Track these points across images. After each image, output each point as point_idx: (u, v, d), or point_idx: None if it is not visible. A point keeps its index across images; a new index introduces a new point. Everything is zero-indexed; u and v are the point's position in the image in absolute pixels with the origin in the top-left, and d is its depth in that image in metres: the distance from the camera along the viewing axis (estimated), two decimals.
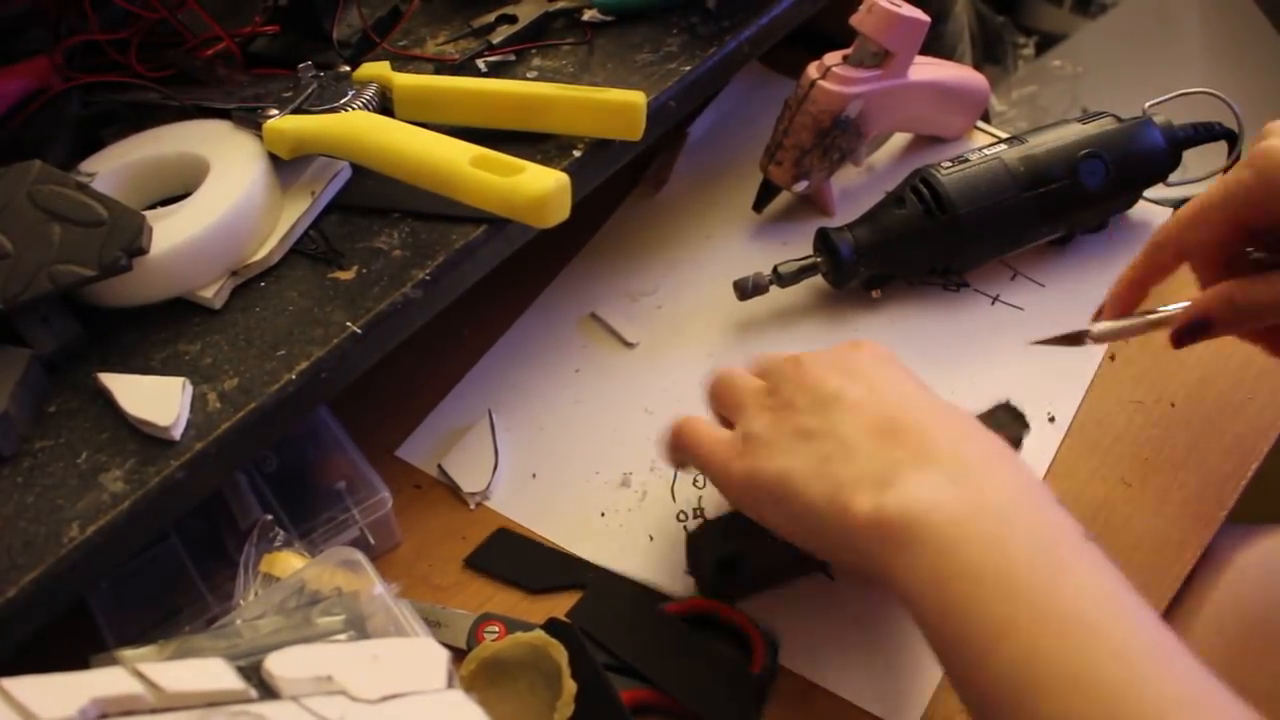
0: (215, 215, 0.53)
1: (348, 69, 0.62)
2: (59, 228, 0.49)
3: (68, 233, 0.49)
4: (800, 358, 0.52)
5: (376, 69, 0.62)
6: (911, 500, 0.43)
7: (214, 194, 0.54)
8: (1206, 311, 0.53)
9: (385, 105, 0.61)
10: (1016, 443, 0.56)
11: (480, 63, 0.65)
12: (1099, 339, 0.57)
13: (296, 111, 0.59)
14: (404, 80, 0.61)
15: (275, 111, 0.58)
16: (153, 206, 0.57)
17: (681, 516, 0.60)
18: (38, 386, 0.50)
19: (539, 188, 0.52)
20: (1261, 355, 0.63)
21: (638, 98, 0.59)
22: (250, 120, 0.59)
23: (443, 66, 0.65)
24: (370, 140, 0.56)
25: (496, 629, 0.55)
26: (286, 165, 0.58)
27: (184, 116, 0.62)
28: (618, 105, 0.59)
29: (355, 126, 0.57)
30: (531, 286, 0.71)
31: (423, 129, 0.56)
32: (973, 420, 0.49)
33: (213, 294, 0.53)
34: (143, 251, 0.50)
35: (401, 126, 0.57)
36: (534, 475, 0.63)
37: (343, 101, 0.60)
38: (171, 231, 0.52)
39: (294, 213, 0.56)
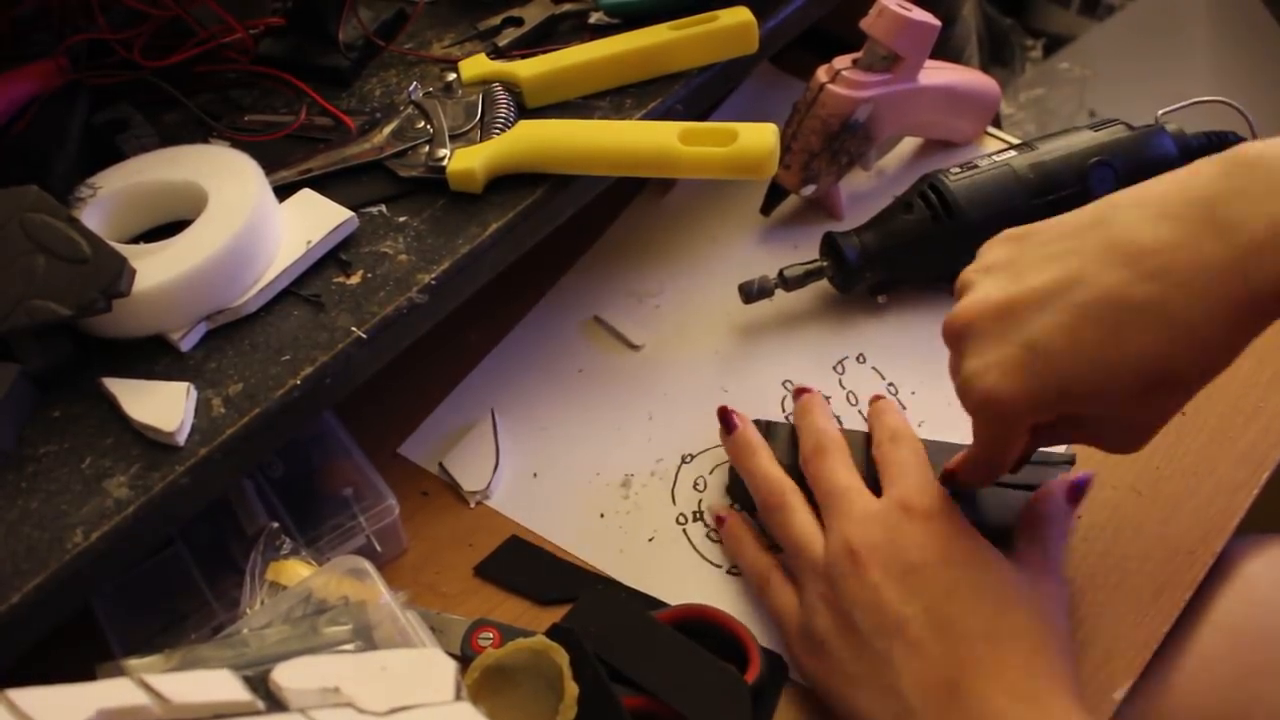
0: (194, 262, 0.51)
1: (454, 77, 0.62)
2: (43, 260, 0.49)
3: (51, 266, 0.49)
4: (861, 555, 0.50)
5: (481, 66, 0.62)
6: None
7: (200, 238, 0.52)
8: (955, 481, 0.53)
9: (517, 99, 0.61)
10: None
11: None
12: None
13: (456, 140, 0.59)
14: (530, 70, 0.61)
15: (443, 152, 0.58)
16: (153, 230, 0.57)
17: (681, 519, 0.60)
18: (24, 402, 0.50)
19: (763, 146, 0.56)
20: (1273, 363, 0.63)
21: (747, 14, 0.63)
22: (412, 164, 0.58)
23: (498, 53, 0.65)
24: (566, 147, 0.58)
25: (491, 635, 0.54)
26: (292, 209, 0.56)
27: (201, 126, 0.61)
28: (733, 28, 0.62)
29: (541, 139, 0.58)
30: (536, 288, 0.71)
31: (609, 122, 0.60)
32: (1019, 624, 0.48)
33: (179, 337, 0.52)
34: (121, 294, 0.49)
35: (585, 124, 0.60)
36: (535, 475, 0.62)
37: (496, 117, 0.59)
38: (151, 272, 0.51)
39: (284, 261, 0.54)
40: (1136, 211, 0.43)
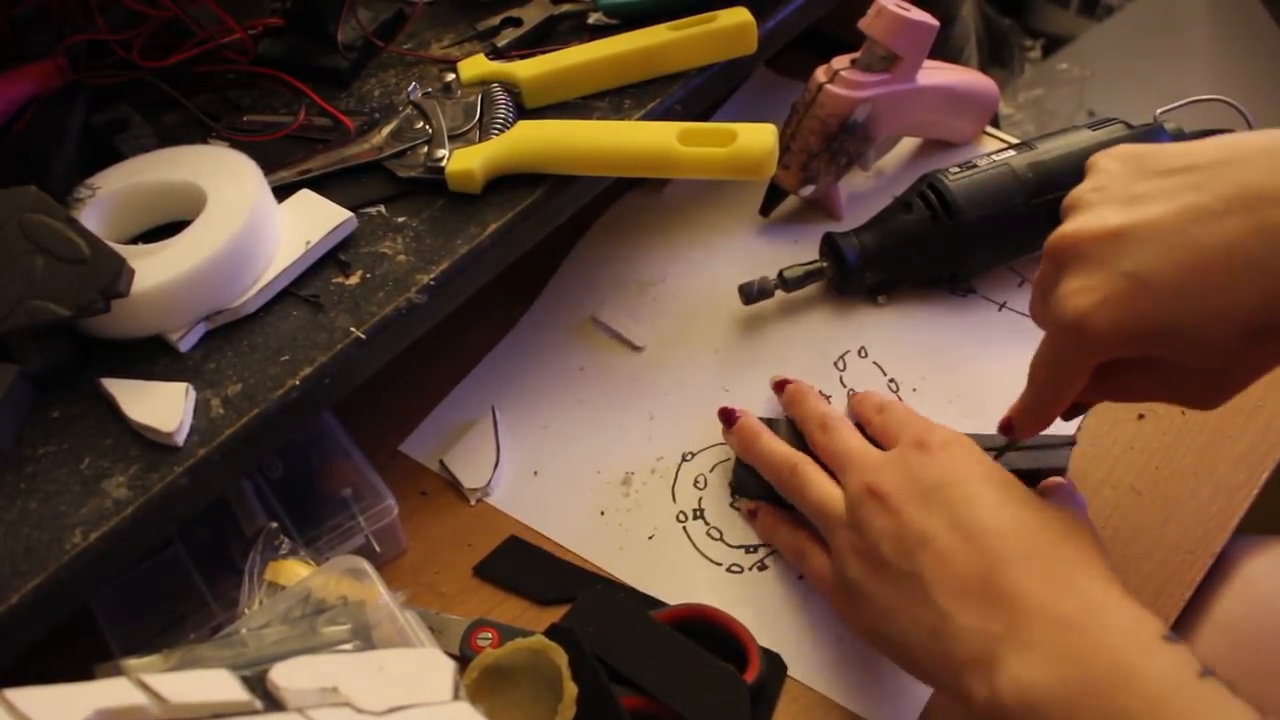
0: (193, 263, 0.51)
1: (453, 77, 0.62)
2: (42, 261, 0.48)
3: (50, 267, 0.49)
4: (881, 489, 0.50)
5: (480, 67, 0.62)
6: (1022, 687, 0.42)
7: (199, 238, 0.52)
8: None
9: (516, 100, 0.61)
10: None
11: None
12: None
13: (454, 141, 0.58)
14: (529, 71, 0.61)
15: (442, 153, 0.58)
16: (152, 231, 0.56)
17: (681, 517, 0.60)
18: (23, 402, 0.50)
19: (762, 146, 0.56)
20: None
21: (746, 15, 0.63)
22: (411, 165, 0.58)
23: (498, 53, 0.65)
24: (565, 147, 0.58)
25: (490, 635, 0.54)
26: (291, 209, 0.56)
27: (200, 126, 0.61)
28: (732, 28, 0.62)
29: (540, 139, 0.58)
30: (536, 288, 0.71)
31: (608, 122, 0.60)
32: (1046, 518, 0.47)
33: (178, 338, 0.52)
34: (120, 294, 0.49)
35: (584, 125, 0.60)
36: (535, 473, 0.62)
37: (495, 117, 0.59)
38: (150, 273, 0.51)
39: (283, 261, 0.54)
40: (1266, 160, 0.41)
